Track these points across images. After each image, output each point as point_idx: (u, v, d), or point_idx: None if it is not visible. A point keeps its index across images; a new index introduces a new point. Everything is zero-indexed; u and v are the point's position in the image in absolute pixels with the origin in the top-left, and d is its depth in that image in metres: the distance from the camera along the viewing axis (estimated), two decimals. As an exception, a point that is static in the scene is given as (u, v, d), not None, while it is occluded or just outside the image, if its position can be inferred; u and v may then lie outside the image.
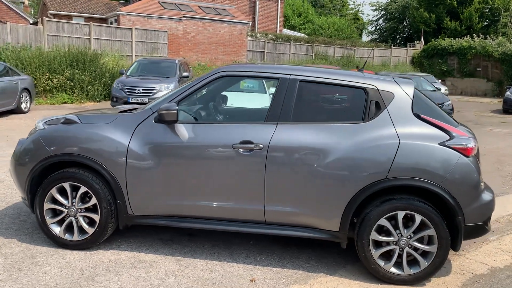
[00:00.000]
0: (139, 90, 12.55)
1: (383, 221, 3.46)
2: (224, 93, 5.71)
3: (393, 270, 3.51)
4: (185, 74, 13.85)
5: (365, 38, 48.58)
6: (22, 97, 12.58)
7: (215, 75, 3.77)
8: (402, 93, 3.61)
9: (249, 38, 26.07)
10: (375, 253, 3.50)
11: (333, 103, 3.84)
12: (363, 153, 3.45)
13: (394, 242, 3.49)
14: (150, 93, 12.54)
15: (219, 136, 3.62)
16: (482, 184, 3.51)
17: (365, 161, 3.44)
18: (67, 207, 3.81)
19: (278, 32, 29.73)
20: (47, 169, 3.84)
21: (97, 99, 16.41)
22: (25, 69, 15.66)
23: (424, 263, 3.47)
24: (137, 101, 12.34)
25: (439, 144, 3.42)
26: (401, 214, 3.43)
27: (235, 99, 9.06)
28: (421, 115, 3.55)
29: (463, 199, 3.41)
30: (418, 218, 3.41)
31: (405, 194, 3.46)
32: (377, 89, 3.61)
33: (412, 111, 3.56)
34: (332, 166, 3.47)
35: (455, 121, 3.93)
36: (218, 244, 4.11)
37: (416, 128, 3.50)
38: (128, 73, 13.94)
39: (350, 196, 3.46)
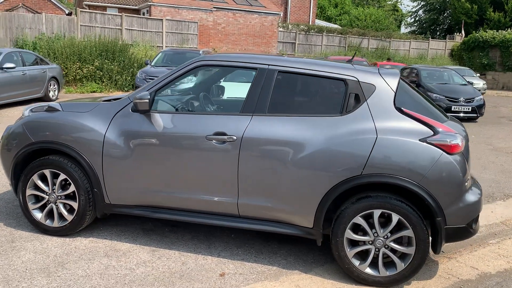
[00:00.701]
0: (161, 80, 12.66)
1: (358, 219, 3.30)
2: (224, 83, 5.66)
3: (368, 270, 3.35)
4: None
5: (403, 30, 47.15)
6: (50, 85, 12.96)
7: (194, 64, 3.70)
8: (384, 85, 3.42)
9: (280, 29, 25.83)
10: (350, 252, 3.36)
11: (311, 95, 3.68)
12: (338, 148, 3.30)
13: (370, 242, 3.33)
14: (172, 83, 12.61)
15: (193, 126, 3.56)
16: (467, 184, 3.29)
17: (340, 156, 3.29)
18: (48, 193, 3.86)
19: (310, 23, 29.30)
20: (30, 156, 3.90)
21: (125, 89, 16.72)
22: (57, 58, 16.15)
23: (401, 265, 3.29)
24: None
25: (419, 140, 3.22)
26: (377, 213, 3.27)
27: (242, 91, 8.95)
28: (404, 109, 3.35)
29: (444, 199, 3.21)
30: (395, 218, 3.24)
31: (382, 192, 3.29)
32: (358, 80, 3.44)
33: (394, 104, 3.37)
34: (305, 161, 3.34)
35: (446, 115, 3.70)
36: (198, 236, 4.07)
37: (397, 122, 3.31)
38: (152, 63, 14.12)
39: (324, 192, 3.32)
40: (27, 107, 4.11)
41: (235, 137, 3.43)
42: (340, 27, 31.89)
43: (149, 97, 3.50)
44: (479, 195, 3.41)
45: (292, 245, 3.98)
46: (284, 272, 3.53)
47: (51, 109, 3.89)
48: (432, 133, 3.27)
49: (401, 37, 31.12)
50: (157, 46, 21.15)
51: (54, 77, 13.18)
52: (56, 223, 3.87)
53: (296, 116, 3.44)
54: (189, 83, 5.68)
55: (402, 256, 3.31)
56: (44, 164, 3.80)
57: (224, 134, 3.46)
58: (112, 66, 16.63)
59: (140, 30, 21.04)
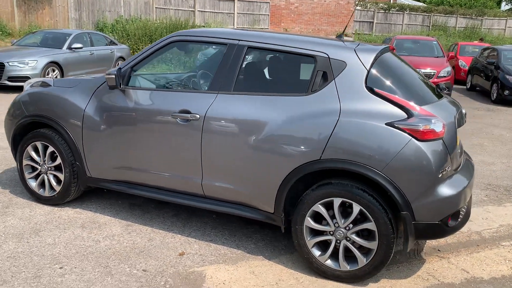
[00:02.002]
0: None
1: (318, 207, 3.06)
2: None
3: (329, 263, 3.11)
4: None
5: (504, 7, 42.71)
6: (118, 64, 13.68)
7: (167, 40, 3.64)
8: (356, 62, 3.09)
9: (357, 7, 24.74)
10: (309, 242, 3.13)
11: (280, 72, 3.44)
12: (299, 130, 3.06)
13: (331, 232, 3.08)
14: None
15: (161, 103, 3.52)
16: (441, 175, 2.88)
17: (300, 139, 3.05)
18: (40, 164, 4.08)
19: (391, 1, 27.68)
20: (26, 128, 4.13)
21: (192, 69, 17.15)
22: (130, 40, 17.00)
23: (362, 261, 3.01)
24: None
25: (385, 123, 2.88)
26: (337, 201, 3.00)
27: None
28: (376, 89, 3.01)
29: (411, 191, 2.85)
30: (356, 208, 2.95)
31: (345, 179, 3.01)
32: (328, 57, 3.15)
33: (366, 83, 3.03)
34: (265, 142, 3.15)
35: (439, 96, 3.28)
36: (179, 215, 4.06)
37: (365, 103, 2.98)
38: (213, 44, 14.26)
39: (283, 176, 3.12)
40: (28, 82, 4.35)
41: (198, 116, 3.33)
42: (424, 4, 29.73)
43: (115, 73, 3.51)
44: (460, 187, 2.97)
45: (270, 230, 3.82)
46: (248, 257, 3.40)
47: (44, 85, 4.07)
48: (406, 116, 2.90)
49: (495, 15, 28.29)
50: (229, 27, 21.34)
51: (121, 57, 13.89)
52: (47, 193, 4.08)
53: (261, 95, 3.24)
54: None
55: (364, 251, 3.02)
56: (36, 136, 4.01)
57: (188, 112, 3.37)
58: (180, 47, 17.10)
59: (212, 12, 21.39)
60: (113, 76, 3.50)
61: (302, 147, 3.04)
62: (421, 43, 13.11)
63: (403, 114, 2.91)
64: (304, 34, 3.74)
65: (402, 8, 25.86)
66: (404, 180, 2.84)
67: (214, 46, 3.63)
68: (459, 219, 3.05)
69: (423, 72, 11.32)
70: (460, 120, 3.31)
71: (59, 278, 2.99)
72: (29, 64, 10.49)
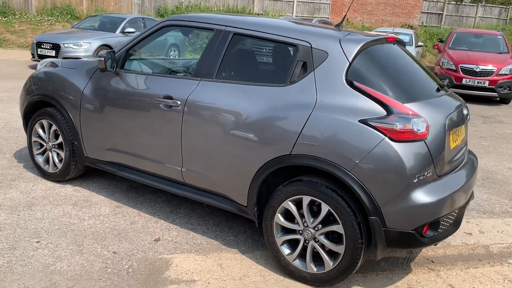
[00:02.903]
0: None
1: (288, 204, 2.92)
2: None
3: (297, 263, 2.96)
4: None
5: None
6: (170, 51, 13.99)
7: (161, 24, 3.61)
8: (339, 53, 2.88)
9: (426, -2, 23.44)
10: (279, 239, 3.00)
11: (263, 61, 3.29)
12: (273, 122, 2.92)
13: (300, 232, 2.93)
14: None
15: (148, 88, 3.51)
16: (416, 180, 2.62)
17: (273, 132, 2.91)
18: (46, 141, 4.25)
19: (465, -8, 25.90)
20: (36, 106, 4.31)
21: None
22: (186, 25, 17.30)
23: (329, 264, 2.83)
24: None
25: (359, 120, 2.66)
26: (306, 200, 2.84)
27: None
28: (356, 83, 2.79)
29: (381, 195, 2.62)
30: (325, 209, 2.77)
31: (316, 177, 2.84)
32: (310, 46, 2.96)
33: (346, 76, 2.82)
34: (240, 133, 3.04)
35: (437, 91, 3.01)
36: (171, 200, 4.07)
37: (342, 98, 2.78)
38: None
39: (256, 169, 3.00)
40: (42, 62, 4.53)
41: (179, 102, 3.29)
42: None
43: (104, 56, 3.54)
44: (442, 195, 2.69)
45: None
46: (222, 248, 3.33)
47: (53, 65, 4.22)
48: (385, 113, 2.67)
49: None
50: (287, 15, 21.11)
51: (174, 44, 14.19)
52: (50, 169, 4.25)
53: (242, 83, 3.13)
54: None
55: (332, 254, 2.84)
56: (42, 115, 4.18)
57: (170, 98, 3.34)
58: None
59: (272, 0, 21.21)
60: (102, 59, 3.54)
61: (274, 140, 2.90)
62: (484, 37, 12.16)
63: (382, 111, 2.68)
64: (296, 21, 3.53)
65: (475, 0, 24.15)
66: (374, 182, 2.62)
67: (204, 32, 3.55)
68: (439, 230, 2.78)
69: (482, 69, 10.52)
70: (459, 119, 3.00)
71: (32, 252, 3.10)
72: (82, 46, 11.01)
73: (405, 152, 2.59)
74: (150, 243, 3.33)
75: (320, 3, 21.84)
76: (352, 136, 2.66)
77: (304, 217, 2.89)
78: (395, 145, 2.59)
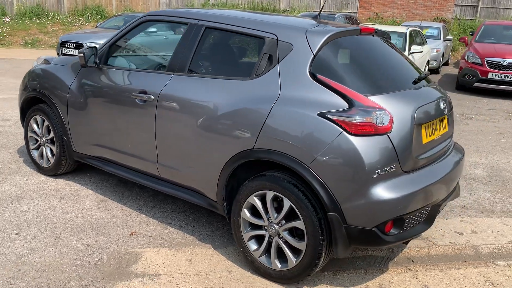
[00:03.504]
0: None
1: (253, 200, 2.87)
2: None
3: (262, 259, 2.91)
4: None
5: None
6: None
7: (140, 19, 3.63)
8: (303, 45, 2.80)
9: (460, -10, 22.57)
10: (246, 235, 2.96)
11: (232, 55, 3.24)
12: (238, 116, 2.88)
13: (265, 227, 2.88)
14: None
15: (126, 83, 3.54)
16: (376, 175, 2.51)
17: (237, 126, 2.87)
18: (40, 136, 4.37)
19: (503, -17, 24.76)
20: (30, 102, 4.43)
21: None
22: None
23: (292, 261, 2.77)
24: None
25: (318, 114, 2.58)
26: (269, 195, 2.79)
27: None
28: (319, 76, 2.71)
29: (341, 191, 2.54)
30: (287, 204, 2.71)
31: (280, 172, 2.78)
32: (277, 39, 2.90)
33: (310, 69, 2.74)
34: (209, 127, 3.02)
35: (415, 83, 2.91)
36: (157, 195, 4.10)
37: (305, 91, 2.71)
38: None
39: (223, 163, 2.97)
40: (38, 58, 4.65)
41: (152, 97, 3.30)
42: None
43: (85, 52, 3.60)
44: (406, 191, 2.57)
45: (236, 219, 3.69)
46: (196, 244, 3.32)
47: (46, 62, 4.33)
48: (347, 106, 2.58)
49: None
50: (313, 11, 20.87)
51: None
52: (44, 164, 4.37)
53: (211, 77, 3.10)
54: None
55: (295, 251, 2.78)
56: (36, 110, 4.30)
57: (145, 92, 3.36)
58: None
59: (300, -5, 21.01)
60: (82, 55, 3.60)
61: (239, 134, 2.86)
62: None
63: (344, 104, 2.59)
64: (268, 13, 3.47)
65: (514, -9, 23.02)
66: (332, 177, 2.54)
67: (180, 26, 3.55)
68: (404, 228, 2.66)
69: (510, 63, 10.04)
70: (436, 112, 2.87)
71: (8, 243, 3.19)
72: (104, 45, 11.25)
73: (363, 146, 2.49)
74: (125, 237, 3.36)
75: (348, -3, 21.45)
76: (311, 130, 2.59)
77: (268, 212, 2.84)
78: (353, 139, 2.49)
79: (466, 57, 10.75)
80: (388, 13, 22.31)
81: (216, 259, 3.13)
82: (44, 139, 4.32)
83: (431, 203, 2.78)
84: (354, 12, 21.58)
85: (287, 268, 2.80)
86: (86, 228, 3.45)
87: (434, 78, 12.45)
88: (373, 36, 3.26)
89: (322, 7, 3.56)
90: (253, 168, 2.97)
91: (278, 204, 2.82)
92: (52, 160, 4.28)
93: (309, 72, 2.73)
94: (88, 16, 19.05)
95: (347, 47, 2.96)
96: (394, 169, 2.57)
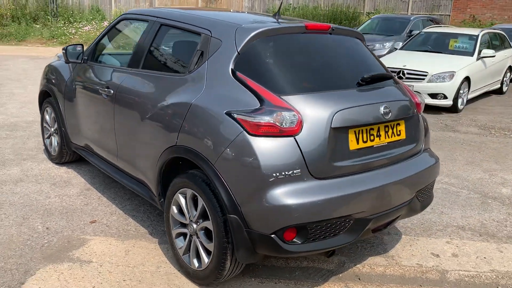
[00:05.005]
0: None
1: (178, 197, 2.86)
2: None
3: (185, 257, 2.88)
4: (415, 31, 12.34)
5: None
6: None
7: (117, 19, 3.81)
8: (231, 42, 2.73)
9: None
10: (174, 231, 2.95)
11: (178, 51, 3.24)
12: (167, 113, 2.90)
13: (187, 226, 2.85)
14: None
15: (99, 79, 3.73)
16: (273, 179, 2.34)
17: (167, 122, 2.89)
18: (51, 127, 4.77)
19: None
20: (45, 95, 4.84)
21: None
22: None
23: (204, 262, 2.70)
24: (348, 60, 12.11)
25: (225, 112, 2.50)
26: (189, 193, 2.75)
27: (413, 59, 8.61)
28: (238, 73, 2.62)
29: (240, 192, 2.42)
30: (200, 203, 2.66)
31: (200, 170, 2.72)
32: (210, 35, 2.86)
33: (233, 66, 2.66)
34: (148, 122, 3.07)
35: (360, 84, 2.72)
36: (139, 188, 4.24)
37: (224, 88, 2.64)
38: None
39: (157, 158, 3.00)
40: (56, 55, 5.07)
41: (112, 91, 3.45)
42: None
43: (66, 48, 3.85)
44: (313, 198, 2.37)
45: (198, 217, 3.69)
46: (146, 237, 3.38)
47: (58, 58, 4.71)
48: (259, 105, 2.47)
49: None
50: (400, 13, 19.88)
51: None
52: (52, 152, 4.76)
53: (156, 73, 3.19)
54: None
55: (208, 252, 2.71)
56: (47, 103, 4.70)
57: (108, 87, 3.52)
58: (335, 34, 16.79)
59: (387, -3, 20.19)
60: (64, 52, 3.87)
61: (168, 131, 2.87)
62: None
63: (256, 103, 2.48)
64: (224, 9, 3.42)
65: None
66: (233, 179, 2.44)
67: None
68: (310, 238, 2.44)
69: None
70: (372, 117, 2.61)
71: (-17, 219, 3.54)
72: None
73: (262, 147, 2.36)
74: (85, 224, 3.54)
75: (440, -1, 20.10)
76: (217, 128, 2.52)
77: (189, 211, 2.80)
78: (251, 139, 2.37)
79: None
80: (487, 15, 20.49)
81: (152, 254, 3.16)
82: (52, 130, 4.71)
83: (354, 214, 2.53)
84: (447, 15, 20.18)
85: (201, 269, 2.74)
86: (55, 213, 3.69)
87: (519, 86, 11.13)
88: (330, 34, 3.05)
89: (281, 3, 3.42)
90: (187, 164, 2.95)
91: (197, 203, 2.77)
92: (56, 149, 4.65)
93: (231, 69, 2.65)
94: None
95: (283, 45, 2.81)
96: (299, 174, 2.39)
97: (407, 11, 20.08)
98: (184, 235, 2.92)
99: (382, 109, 2.67)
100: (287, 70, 2.70)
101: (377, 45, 12.00)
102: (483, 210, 4.11)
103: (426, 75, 8.15)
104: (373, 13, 19.92)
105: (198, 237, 2.75)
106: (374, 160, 2.68)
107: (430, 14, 19.49)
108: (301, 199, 2.36)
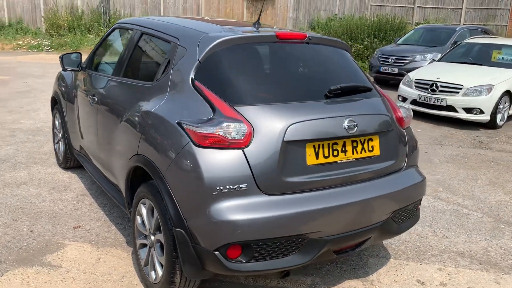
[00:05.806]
0: (391, 59, 11.77)
1: (140, 207, 2.82)
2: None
3: (146, 269, 2.83)
4: (459, 41, 11.70)
5: None
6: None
7: (112, 28, 3.88)
8: (194, 51, 2.67)
9: None
10: (138, 242, 2.92)
11: (153, 59, 3.22)
12: (133, 121, 2.89)
13: (147, 237, 2.80)
14: (402, 63, 11.53)
15: (89, 86, 3.82)
16: (216, 193, 2.23)
17: (132, 131, 2.88)
18: (59, 132, 4.93)
19: None
20: (54, 102, 5.00)
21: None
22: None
23: (158, 275, 2.64)
24: (387, 71, 11.75)
25: (177, 122, 2.43)
26: (147, 203, 2.71)
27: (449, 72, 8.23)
28: (196, 82, 2.55)
29: (186, 206, 2.34)
30: (156, 214, 2.61)
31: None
32: (177, 43, 2.82)
33: (193, 75, 2.60)
34: (120, 130, 3.07)
35: (328, 96, 2.60)
36: (132, 195, 4.26)
37: (183, 97, 2.59)
38: (399, 41, 13.13)
39: (126, 166, 2.99)
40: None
41: (96, 98, 3.50)
42: None
43: (62, 56, 3.96)
44: (260, 214, 2.24)
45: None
46: (121, 245, 3.37)
47: (66, 67, 4.87)
48: (212, 115, 2.39)
49: None
50: (452, 24, 19.05)
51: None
52: (60, 157, 4.91)
53: (131, 81, 3.25)
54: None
55: (162, 265, 2.63)
56: (55, 109, 4.87)
57: (94, 95, 3.57)
58: (379, 46, 16.34)
59: (435, 8, 19.48)
60: (60, 59, 3.98)
61: (132, 139, 2.85)
62: None
63: (210, 113, 2.40)
64: (202, 18, 3.38)
65: None
66: (180, 190, 2.36)
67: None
68: (255, 257, 2.30)
69: None
70: (336, 131, 2.44)
71: (-24, 219, 3.68)
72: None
73: (207, 159, 2.27)
74: (68, 229, 3.58)
75: (496, 8, 19.06)
76: (169, 138, 2.46)
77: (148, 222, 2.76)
78: (196, 151, 2.29)
79: None
80: (548, 25, 19.18)
81: (122, 263, 3.14)
82: (60, 135, 4.86)
83: (308, 234, 2.37)
84: (504, 25, 19.10)
85: (155, 282, 2.68)
86: (44, 216, 3.78)
87: None
88: (308, 44, 2.91)
89: (261, 11, 3.32)
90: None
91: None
92: (62, 154, 4.78)
93: (191, 78, 2.59)
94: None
95: (248, 54, 2.72)
96: (245, 188, 2.27)
97: (459, 21, 19.20)
98: (146, 246, 2.88)
99: (346, 123, 2.50)
100: (246, 80, 2.60)
101: (417, 56, 11.54)
102: (492, 236, 3.76)
103: (461, 88, 7.69)
104: (422, 23, 19.23)
105: (154, 249, 2.69)
106: (338, 176, 2.50)
107: (484, 25, 18.52)
108: (245, 215, 2.24)
